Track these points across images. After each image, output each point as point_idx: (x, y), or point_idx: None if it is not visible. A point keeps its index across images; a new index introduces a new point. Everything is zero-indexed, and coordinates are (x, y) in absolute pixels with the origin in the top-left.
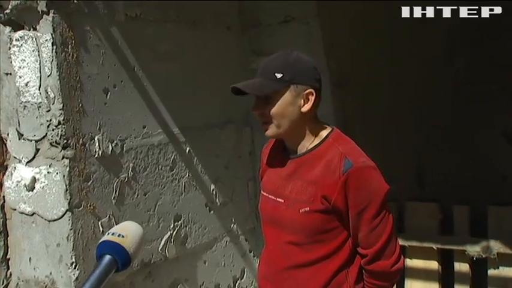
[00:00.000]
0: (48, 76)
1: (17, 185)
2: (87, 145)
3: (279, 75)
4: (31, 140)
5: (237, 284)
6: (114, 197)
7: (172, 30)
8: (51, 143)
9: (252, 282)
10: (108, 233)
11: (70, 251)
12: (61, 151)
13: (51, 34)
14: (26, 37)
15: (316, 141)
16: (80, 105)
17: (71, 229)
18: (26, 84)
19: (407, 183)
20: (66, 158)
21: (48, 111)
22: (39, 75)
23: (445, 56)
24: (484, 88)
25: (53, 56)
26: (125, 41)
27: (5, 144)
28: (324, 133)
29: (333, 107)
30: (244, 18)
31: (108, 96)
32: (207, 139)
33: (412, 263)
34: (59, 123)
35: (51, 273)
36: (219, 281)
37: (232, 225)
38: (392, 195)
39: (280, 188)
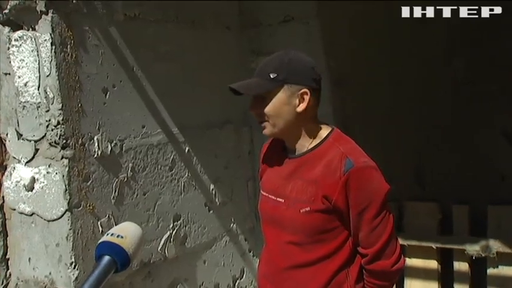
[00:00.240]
0: (47, 76)
1: (16, 185)
2: (86, 145)
3: (273, 75)
4: (30, 140)
5: (236, 284)
6: (113, 197)
7: (171, 30)
8: (50, 143)
9: (252, 281)
10: (107, 234)
11: (69, 251)
12: (60, 151)
13: (50, 34)
14: (24, 37)
15: (317, 141)
16: (79, 105)
17: (70, 229)
18: (25, 84)
19: (407, 183)
20: (66, 158)
21: (47, 111)
22: (38, 75)
23: (445, 56)
24: (484, 88)
25: (52, 56)
26: (124, 41)
27: (4, 145)
28: (324, 133)
29: (333, 107)
30: (244, 18)
31: (107, 96)
32: (207, 139)
33: (412, 262)
34: (58, 123)
35: (50, 273)
36: (218, 281)
37: (231, 224)
38: (393, 195)
39: (280, 187)
